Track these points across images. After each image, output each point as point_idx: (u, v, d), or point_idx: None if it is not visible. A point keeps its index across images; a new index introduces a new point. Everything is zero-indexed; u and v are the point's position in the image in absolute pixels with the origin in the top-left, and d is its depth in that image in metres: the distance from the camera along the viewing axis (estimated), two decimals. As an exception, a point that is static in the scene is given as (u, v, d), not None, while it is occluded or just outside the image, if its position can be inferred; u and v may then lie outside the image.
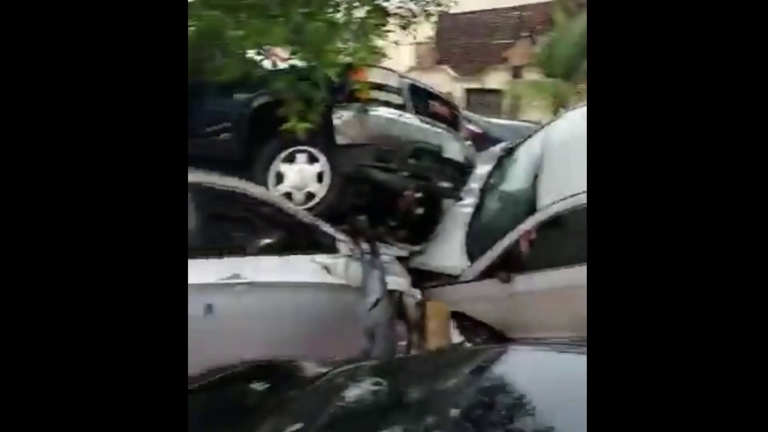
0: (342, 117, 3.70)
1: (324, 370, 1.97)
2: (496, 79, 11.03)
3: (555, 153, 4.18)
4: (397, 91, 3.95)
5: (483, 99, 10.16)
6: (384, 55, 4.64)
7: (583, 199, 3.40)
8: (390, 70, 4.15)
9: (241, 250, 2.99)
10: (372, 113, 3.76)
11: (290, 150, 3.78)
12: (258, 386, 1.94)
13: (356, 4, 4.46)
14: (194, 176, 2.91)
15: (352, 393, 1.74)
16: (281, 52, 4.59)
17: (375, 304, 3.08)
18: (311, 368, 2.02)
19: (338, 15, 4.34)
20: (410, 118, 3.96)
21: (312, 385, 1.85)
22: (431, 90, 4.37)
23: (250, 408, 1.79)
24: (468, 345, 3.66)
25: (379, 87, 3.85)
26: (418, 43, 7.09)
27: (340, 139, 3.69)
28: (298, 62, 3.86)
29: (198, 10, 3.97)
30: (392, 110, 3.87)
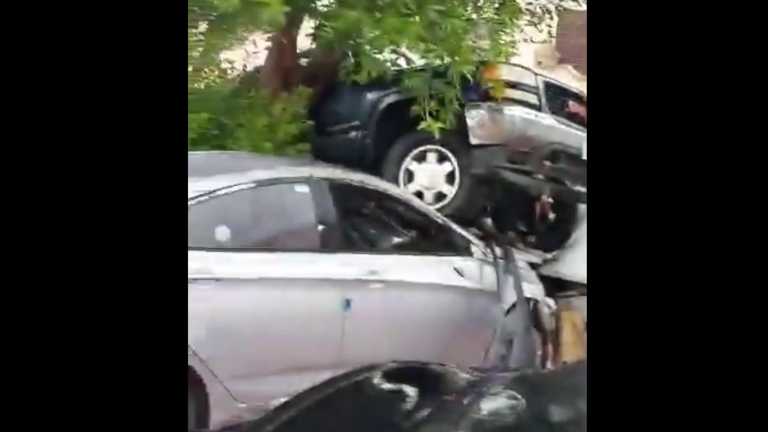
0: (475, 117, 3.60)
1: (471, 376, 1.89)
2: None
3: None
4: (533, 90, 3.78)
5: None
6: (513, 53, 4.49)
7: None
8: (524, 67, 3.99)
9: (374, 248, 2.98)
10: (506, 112, 3.62)
11: (421, 148, 3.73)
12: (406, 388, 1.88)
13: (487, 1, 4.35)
14: (331, 172, 2.94)
15: (492, 405, 1.63)
16: (408, 51, 4.58)
17: (510, 311, 2.94)
18: (458, 373, 1.94)
19: (469, 11, 4.25)
20: (546, 118, 3.78)
21: (458, 392, 1.77)
22: (568, 88, 4.14)
23: (400, 411, 1.74)
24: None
25: (514, 85, 3.70)
26: (542, 42, 6.81)
27: (473, 139, 3.59)
28: (429, 60, 3.81)
29: (335, 11, 4.05)
30: (527, 109, 3.71)
